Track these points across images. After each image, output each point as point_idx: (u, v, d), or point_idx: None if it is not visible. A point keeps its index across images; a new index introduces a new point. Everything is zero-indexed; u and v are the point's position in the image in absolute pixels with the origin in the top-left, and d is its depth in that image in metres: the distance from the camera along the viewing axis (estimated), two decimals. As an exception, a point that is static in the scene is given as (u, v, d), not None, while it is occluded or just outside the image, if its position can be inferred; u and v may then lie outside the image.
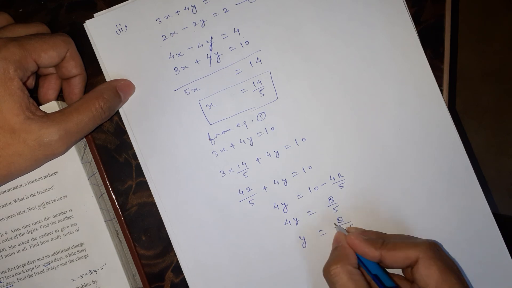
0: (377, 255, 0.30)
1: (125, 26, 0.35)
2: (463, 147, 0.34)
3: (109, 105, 0.32)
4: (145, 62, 0.35)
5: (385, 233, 0.33)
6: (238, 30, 0.35)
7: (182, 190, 0.35)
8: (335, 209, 0.35)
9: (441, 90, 0.35)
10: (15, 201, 0.33)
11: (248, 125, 0.35)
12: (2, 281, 0.34)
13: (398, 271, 0.33)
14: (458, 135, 0.34)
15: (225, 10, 0.35)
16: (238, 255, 0.35)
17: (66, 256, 0.34)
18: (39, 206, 0.33)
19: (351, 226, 0.34)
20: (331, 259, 0.31)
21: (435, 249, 0.29)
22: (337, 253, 0.31)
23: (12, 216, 0.34)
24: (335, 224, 0.34)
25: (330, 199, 0.35)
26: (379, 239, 0.30)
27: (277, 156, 0.35)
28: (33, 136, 0.29)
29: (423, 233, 0.34)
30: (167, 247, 0.36)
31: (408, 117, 0.34)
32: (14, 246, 0.34)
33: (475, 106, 1.01)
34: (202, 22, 0.35)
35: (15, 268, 0.34)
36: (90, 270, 0.34)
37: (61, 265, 0.34)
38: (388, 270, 0.32)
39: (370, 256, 0.30)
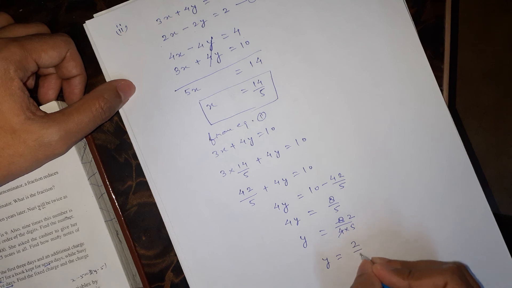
0: (405, 285, 0.30)
1: (125, 26, 0.35)
2: (463, 147, 0.34)
3: (110, 105, 0.32)
4: (145, 62, 0.35)
5: (409, 261, 0.33)
6: (238, 30, 0.35)
7: (182, 190, 0.35)
8: (336, 209, 0.35)
9: (441, 90, 0.35)
10: (15, 201, 0.33)
11: (248, 125, 0.35)
12: (2, 281, 0.34)
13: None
14: (458, 135, 0.34)
15: (225, 10, 0.35)
16: (238, 255, 0.35)
17: (66, 256, 0.33)
18: (39, 206, 0.33)
19: (375, 257, 0.34)
20: (356, 285, 0.31)
21: (461, 275, 0.29)
22: (363, 281, 0.32)
23: (12, 216, 0.34)
24: (360, 254, 0.34)
25: (330, 199, 0.35)
26: (405, 269, 0.31)
27: (278, 156, 0.35)
28: (34, 136, 0.29)
29: (423, 233, 0.34)
30: (167, 247, 0.36)
31: (408, 117, 0.34)
32: (14, 246, 0.34)
33: (475, 106, 1.01)
34: (202, 22, 0.35)
35: (15, 268, 0.34)
36: (90, 270, 0.34)
37: (61, 265, 0.34)
38: None
39: (397, 286, 0.30)
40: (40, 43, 0.30)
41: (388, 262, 0.33)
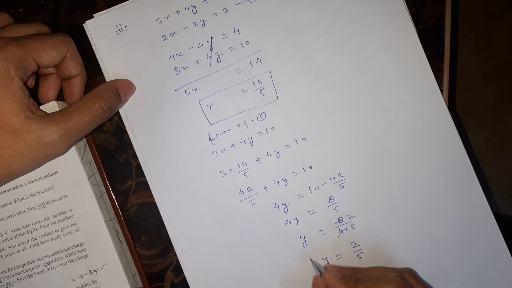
0: None
1: (125, 26, 0.35)
2: (463, 147, 0.34)
3: (110, 105, 0.32)
4: (145, 62, 0.35)
5: (360, 268, 0.34)
6: (238, 30, 0.35)
7: (182, 190, 0.35)
8: (336, 209, 0.35)
9: (441, 90, 0.35)
10: (15, 201, 0.33)
11: (248, 125, 0.35)
12: (2, 281, 0.34)
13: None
14: (458, 135, 0.34)
15: (225, 10, 0.35)
16: (238, 255, 0.35)
17: (66, 256, 0.34)
18: (39, 206, 0.33)
19: (328, 264, 0.35)
20: None
21: (405, 284, 0.30)
22: None
23: (12, 216, 0.34)
24: (310, 258, 0.35)
25: (330, 199, 0.35)
26: (353, 277, 0.31)
27: (278, 156, 0.35)
28: (34, 136, 0.29)
29: (424, 233, 0.34)
30: (167, 247, 0.36)
31: (408, 117, 0.34)
32: (14, 246, 0.34)
33: (475, 106, 1.01)
34: (202, 22, 0.35)
35: (15, 268, 0.34)
36: (90, 270, 0.34)
37: (61, 265, 0.34)
38: None
39: None
40: (40, 43, 0.30)
41: (339, 270, 0.33)
